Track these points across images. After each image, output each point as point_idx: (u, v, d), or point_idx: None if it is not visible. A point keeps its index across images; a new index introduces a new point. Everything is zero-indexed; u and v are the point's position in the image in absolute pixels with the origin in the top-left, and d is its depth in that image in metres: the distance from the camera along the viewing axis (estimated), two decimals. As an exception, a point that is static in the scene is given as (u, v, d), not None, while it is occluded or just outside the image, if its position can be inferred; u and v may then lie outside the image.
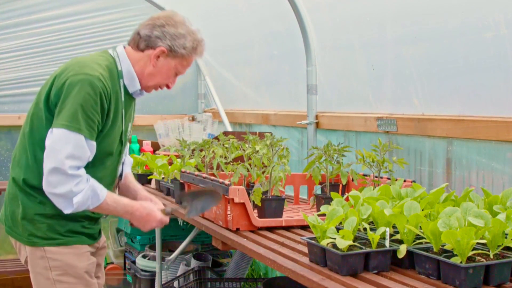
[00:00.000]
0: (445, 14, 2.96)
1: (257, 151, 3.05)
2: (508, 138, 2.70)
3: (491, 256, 1.97)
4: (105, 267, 5.27)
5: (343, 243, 2.02)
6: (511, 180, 2.73)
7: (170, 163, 3.95)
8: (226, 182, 2.86)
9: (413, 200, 2.33)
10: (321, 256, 2.15)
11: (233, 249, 4.30)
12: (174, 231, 4.90)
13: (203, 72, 5.84)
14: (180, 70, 2.58)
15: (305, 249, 2.35)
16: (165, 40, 2.47)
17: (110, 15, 5.59)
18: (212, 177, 3.03)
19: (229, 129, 5.33)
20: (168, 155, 4.22)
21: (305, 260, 2.27)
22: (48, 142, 2.31)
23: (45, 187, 2.31)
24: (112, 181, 2.65)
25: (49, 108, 2.37)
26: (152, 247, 4.78)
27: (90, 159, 2.38)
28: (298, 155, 4.40)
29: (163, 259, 4.31)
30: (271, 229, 2.87)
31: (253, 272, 5.13)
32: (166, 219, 2.57)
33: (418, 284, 1.95)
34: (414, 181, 2.73)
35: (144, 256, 4.78)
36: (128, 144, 2.74)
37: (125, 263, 5.34)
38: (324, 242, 2.11)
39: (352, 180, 3.10)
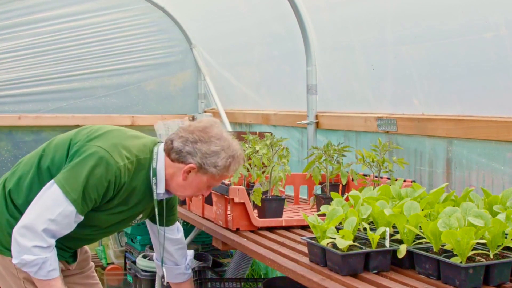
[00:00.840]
0: (445, 14, 2.96)
1: (257, 151, 3.05)
2: (508, 138, 2.70)
3: (491, 256, 1.97)
4: (105, 267, 5.32)
5: (343, 243, 2.02)
6: (511, 180, 2.73)
7: (170, 163, 3.94)
8: (226, 182, 2.86)
9: (413, 200, 2.33)
10: (321, 256, 2.15)
11: (233, 249, 4.30)
12: (174, 231, 4.89)
13: (203, 72, 5.84)
14: (213, 184, 2.50)
15: (305, 249, 2.35)
16: (196, 157, 2.38)
17: (110, 15, 5.58)
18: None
19: (229, 129, 5.32)
20: (168, 155, 4.22)
21: (305, 260, 2.27)
22: (43, 191, 2.30)
23: (15, 227, 2.29)
24: (75, 247, 2.59)
25: (68, 155, 2.37)
26: (153, 247, 4.77)
27: (68, 232, 2.34)
28: (298, 155, 4.40)
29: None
30: (271, 229, 2.88)
31: (254, 272, 5.12)
32: None
33: (418, 284, 1.95)
34: (414, 181, 2.73)
35: (144, 256, 4.77)
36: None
37: (125, 263, 5.34)
38: (324, 242, 2.12)
39: (352, 180, 3.10)
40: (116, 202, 2.41)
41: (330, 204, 2.37)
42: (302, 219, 2.79)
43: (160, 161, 2.44)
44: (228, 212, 2.89)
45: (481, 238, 1.96)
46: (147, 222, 2.82)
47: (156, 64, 5.69)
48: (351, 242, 2.06)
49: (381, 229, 2.12)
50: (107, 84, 5.56)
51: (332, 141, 3.27)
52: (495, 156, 2.80)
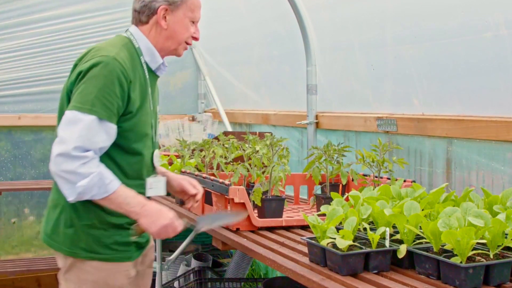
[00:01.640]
0: (445, 14, 2.96)
1: (257, 151, 3.05)
2: (508, 138, 2.70)
3: (491, 256, 1.97)
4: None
5: (343, 243, 2.03)
6: (511, 180, 2.73)
7: (170, 163, 3.95)
8: (226, 182, 2.86)
9: (413, 200, 2.33)
10: (321, 256, 2.15)
11: (233, 249, 4.31)
12: (174, 231, 4.89)
13: (203, 72, 5.84)
14: (192, 16, 2.47)
15: (305, 249, 2.35)
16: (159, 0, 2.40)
17: (110, 15, 5.58)
18: (212, 177, 3.04)
19: (229, 129, 5.33)
20: (168, 155, 4.22)
21: (305, 260, 2.27)
22: (59, 125, 2.22)
23: (51, 167, 2.17)
24: (149, 174, 2.47)
25: (69, 99, 2.28)
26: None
27: (106, 144, 2.23)
28: (298, 155, 4.41)
29: (163, 259, 4.31)
30: (271, 229, 2.88)
31: (253, 272, 5.12)
32: (179, 224, 2.29)
33: (418, 284, 1.95)
34: (414, 181, 2.73)
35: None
36: (158, 128, 2.58)
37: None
38: (324, 242, 2.12)
39: (352, 180, 3.10)
40: (139, 95, 2.34)
41: (330, 204, 2.37)
42: (302, 219, 2.79)
43: (140, 38, 2.44)
44: (228, 212, 2.89)
45: (481, 238, 1.96)
46: None
47: (156, 64, 5.68)
48: (351, 242, 2.06)
49: (381, 229, 2.12)
50: (107, 84, 5.56)
51: (332, 141, 3.27)
52: (495, 156, 2.81)
